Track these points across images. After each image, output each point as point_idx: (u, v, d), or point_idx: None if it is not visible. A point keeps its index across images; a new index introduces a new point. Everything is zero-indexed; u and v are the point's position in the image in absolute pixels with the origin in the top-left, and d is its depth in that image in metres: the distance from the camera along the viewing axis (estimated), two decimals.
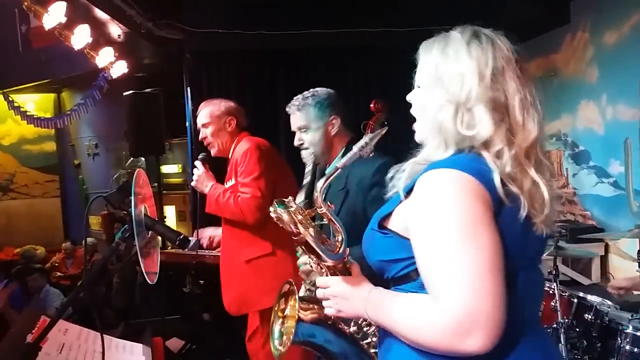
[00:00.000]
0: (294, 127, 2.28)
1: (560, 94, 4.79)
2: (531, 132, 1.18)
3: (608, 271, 4.17)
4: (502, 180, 1.10)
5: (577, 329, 2.85)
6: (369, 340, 1.40)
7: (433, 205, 1.09)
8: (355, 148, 1.35)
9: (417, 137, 1.29)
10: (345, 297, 1.25)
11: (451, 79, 1.17)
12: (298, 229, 1.27)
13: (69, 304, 2.02)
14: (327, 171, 2.26)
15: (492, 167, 1.11)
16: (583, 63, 4.50)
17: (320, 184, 1.32)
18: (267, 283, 2.53)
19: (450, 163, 1.12)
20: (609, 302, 2.95)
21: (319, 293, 1.30)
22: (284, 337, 1.43)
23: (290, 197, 1.36)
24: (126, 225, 1.69)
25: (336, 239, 1.31)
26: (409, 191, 1.18)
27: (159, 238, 1.90)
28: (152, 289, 4.06)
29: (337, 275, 1.30)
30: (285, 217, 1.29)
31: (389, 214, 1.22)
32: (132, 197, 1.63)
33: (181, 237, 1.76)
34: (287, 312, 1.47)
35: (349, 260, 1.32)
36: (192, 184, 2.87)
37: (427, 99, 1.22)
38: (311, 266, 1.42)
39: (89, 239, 6.57)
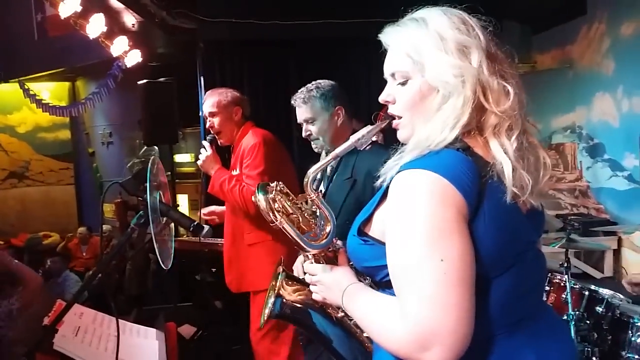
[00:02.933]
0: (300, 120, 2.33)
1: (576, 86, 4.75)
2: (506, 114, 1.09)
3: (621, 265, 4.15)
4: (482, 174, 1.04)
5: (588, 322, 2.84)
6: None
7: (402, 211, 1.03)
8: (352, 139, 1.29)
9: (406, 135, 1.19)
10: (328, 286, 1.27)
11: (449, 67, 1.10)
12: (275, 217, 1.29)
13: (84, 289, 2.06)
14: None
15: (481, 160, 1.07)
16: (599, 55, 4.46)
17: (310, 171, 1.29)
18: (265, 267, 2.62)
19: (424, 163, 1.04)
20: (621, 295, 2.94)
21: (307, 279, 1.33)
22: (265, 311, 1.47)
23: (277, 182, 1.37)
24: (141, 212, 1.72)
25: (324, 227, 1.31)
26: (384, 193, 1.12)
27: (173, 225, 1.92)
28: (165, 277, 4.10)
29: (324, 262, 1.31)
30: (263, 204, 1.30)
31: (369, 219, 1.18)
32: (148, 184, 1.65)
33: (195, 223, 1.78)
34: (277, 288, 1.51)
35: (338, 248, 1.33)
36: (199, 163, 2.93)
37: (427, 91, 1.13)
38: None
39: (104, 226, 6.65)
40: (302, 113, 2.31)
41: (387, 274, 1.09)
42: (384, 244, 1.09)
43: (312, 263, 1.33)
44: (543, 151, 1.15)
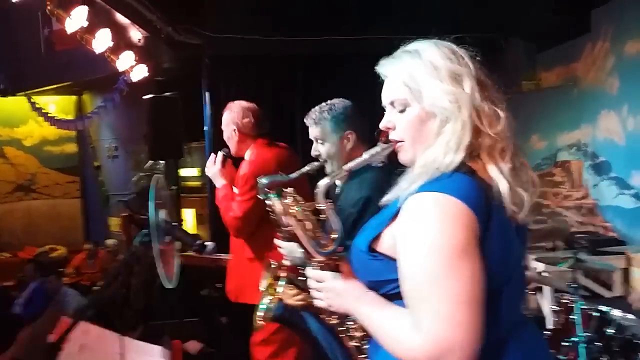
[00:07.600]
0: (311, 137, 2.28)
1: (580, 103, 4.74)
2: (499, 136, 1.17)
3: (630, 284, 4.10)
4: (488, 195, 1.11)
5: (598, 343, 2.80)
6: (351, 333, 1.41)
7: (417, 232, 1.09)
8: (366, 154, 1.32)
9: (408, 158, 1.24)
10: (339, 294, 1.27)
11: (447, 95, 1.16)
12: (288, 220, 1.33)
13: (89, 306, 2.05)
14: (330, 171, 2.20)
15: (488, 182, 1.13)
16: (604, 72, 4.45)
17: (322, 181, 1.30)
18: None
19: (440, 186, 1.10)
20: (632, 316, 2.89)
21: (312, 284, 1.33)
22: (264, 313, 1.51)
23: (291, 189, 1.40)
24: (145, 230, 1.72)
25: (330, 236, 1.33)
26: (397, 212, 1.16)
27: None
28: (171, 292, 4.08)
29: (328, 270, 1.32)
30: (278, 207, 1.35)
31: (378, 236, 1.20)
32: (150, 203, 1.65)
33: (198, 242, 1.79)
34: (278, 290, 1.55)
35: (342, 258, 1.34)
36: (206, 172, 2.95)
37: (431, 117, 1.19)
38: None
39: (111, 241, 6.65)
40: (312, 132, 2.27)
41: (392, 288, 1.16)
42: (393, 259, 1.14)
43: (314, 269, 1.34)
44: (531, 170, 1.23)
